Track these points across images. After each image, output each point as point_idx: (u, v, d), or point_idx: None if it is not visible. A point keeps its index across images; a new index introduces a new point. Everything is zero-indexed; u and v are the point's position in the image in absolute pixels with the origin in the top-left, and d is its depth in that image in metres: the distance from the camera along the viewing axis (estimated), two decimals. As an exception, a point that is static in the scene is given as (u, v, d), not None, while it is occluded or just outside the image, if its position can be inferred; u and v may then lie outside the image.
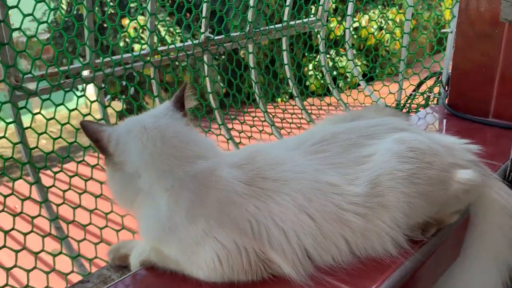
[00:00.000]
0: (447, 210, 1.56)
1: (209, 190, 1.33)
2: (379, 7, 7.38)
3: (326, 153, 1.52)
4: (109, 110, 2.06)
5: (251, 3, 2.48)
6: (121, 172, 1.38)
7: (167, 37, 2.29)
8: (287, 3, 2.84)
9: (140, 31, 4.11)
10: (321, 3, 3.08)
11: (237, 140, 2.53)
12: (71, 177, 1.91)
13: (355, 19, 4.93)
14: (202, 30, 2.32)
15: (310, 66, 6.05)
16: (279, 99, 3.38)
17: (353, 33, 3.41)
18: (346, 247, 1.40)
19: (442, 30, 2.84)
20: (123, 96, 2.15)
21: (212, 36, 2.33)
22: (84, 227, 1.92)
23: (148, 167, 1.35)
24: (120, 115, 2.02)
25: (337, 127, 1.67)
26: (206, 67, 2.37)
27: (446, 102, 2.72)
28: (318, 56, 3.23)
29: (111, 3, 3.28)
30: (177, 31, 2.23)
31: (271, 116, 2.78)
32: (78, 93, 1.95)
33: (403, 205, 1.42)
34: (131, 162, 1.36)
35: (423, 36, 3.17)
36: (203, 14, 2.28)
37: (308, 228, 1.36)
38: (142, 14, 4.24)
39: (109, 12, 2.00)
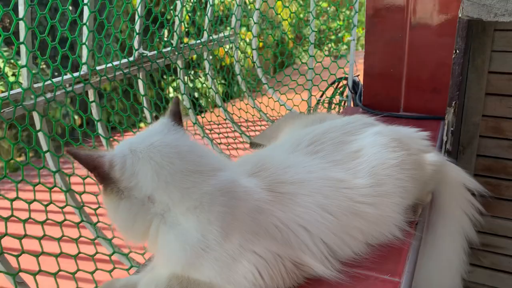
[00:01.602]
0: (425, 190, 1.72)
1: (239, 202, 1.26)
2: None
3: (323, 153, 1.57)
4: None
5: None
6: (129, 199, 1.22)
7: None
8: (138, 31, 2.37)
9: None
10: (175, 29, 2.69)
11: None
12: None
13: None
14: (136, 46, 2.18)
15: (171, 89, 5.96)
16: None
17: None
18: (362, 237, 1.45)
19: (347, 38, 3.11)
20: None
21: (146, 52, 2.21)
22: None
23: (168, 187, 1.22)
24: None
25: (316, 128, 1.74)
26: (141, 84, 2.24)
27: (362, 103, 2.98)
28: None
29: None
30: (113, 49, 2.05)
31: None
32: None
33: (400, 190, 1.53)
34: (144, 185, 1.22)
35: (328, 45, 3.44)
36: (137, 30, 2.15)
37: (330, 225, 1.38)
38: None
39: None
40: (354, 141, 1.65)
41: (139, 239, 1.30)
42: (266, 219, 1.29)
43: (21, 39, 1.58)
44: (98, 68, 1.97)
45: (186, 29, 2.63)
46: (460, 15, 1.91)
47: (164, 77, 2.39)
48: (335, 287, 1.32)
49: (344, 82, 3.39)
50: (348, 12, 3.64)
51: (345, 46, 3.35)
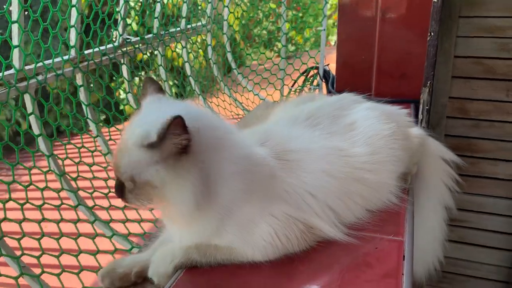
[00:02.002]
0: (412, 161, 1.84)
1: (258, 168, 1.32)
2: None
3: (321, 126, 1.65)
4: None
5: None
6: (200, 172, 1.23)
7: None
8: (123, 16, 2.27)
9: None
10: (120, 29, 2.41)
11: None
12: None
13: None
14: (121, 32, 2.17)
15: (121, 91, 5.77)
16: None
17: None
18: (363, 202, 1.54)
19: (317, 28, 3.22)
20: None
21: (130, 38, 2.21)
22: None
23: (222, 158, 1.27)
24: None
25: (309, 105, 1.82)
26: (125, 69, 2.22)
27: (335, 90, 3.09)
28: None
29: None
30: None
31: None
32: None
33: (393, 158, 1.64)
34: (210, 158, 1.25)
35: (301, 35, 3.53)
36: (122, 15, 2.14)
37: (334, 190, 1.46)
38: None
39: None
40: (347, 115, 1.74)
41: (196, 211, 1.27)
42: (279, 185, 1.36)
43: (14, 18, 1.55)
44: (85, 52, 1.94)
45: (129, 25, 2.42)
46: (434, 0, 2.05)
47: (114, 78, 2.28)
48: (346, 247, 1.39)
49: (315, 71, 3.50)
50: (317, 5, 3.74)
51: (312, 39, 3.45)
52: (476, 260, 3.11)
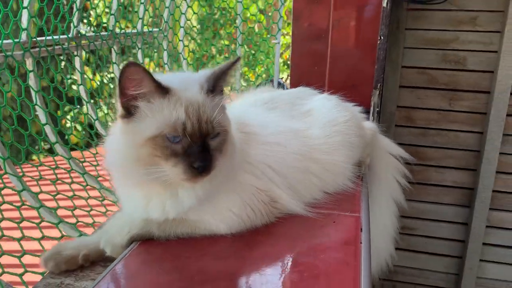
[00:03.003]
0: (365, 152, 1.89)
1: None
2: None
3: (279, 110, 1.68)
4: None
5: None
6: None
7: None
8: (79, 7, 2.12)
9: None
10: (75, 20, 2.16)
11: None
12: None
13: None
14: (75, 23, 2.13)
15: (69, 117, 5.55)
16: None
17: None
18: (319, 183, 1.55)
19: (272, 41, 3.30)
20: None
21: (85, 31, 2.17)
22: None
23: None
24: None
25: (267, 94, 1.85)
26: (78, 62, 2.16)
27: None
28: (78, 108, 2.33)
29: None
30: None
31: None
32: None
33: (348, 144, 1.68)
34: None
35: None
36: (78, 6, 2.10)
37: (293, 166, 1.48)
38: None
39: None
40: (304, 104, 1.78)
41: None
42: (242, 157, 1.36)
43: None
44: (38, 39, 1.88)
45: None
46: (384, 5, 2.17)
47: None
48: (304, 221, 1.39)
49: (271, 84, 3.56)
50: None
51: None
52: (425, 268, 3.19)
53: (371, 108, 2.43)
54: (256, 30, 3.72)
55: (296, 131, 1.57)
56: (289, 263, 1.18)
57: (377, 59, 2.34)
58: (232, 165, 1.29)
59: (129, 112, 1.18)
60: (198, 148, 1.16)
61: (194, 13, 3.11)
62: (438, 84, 2.80)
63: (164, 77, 1.21)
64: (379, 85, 2.37)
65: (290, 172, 1.45)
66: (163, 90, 1.16)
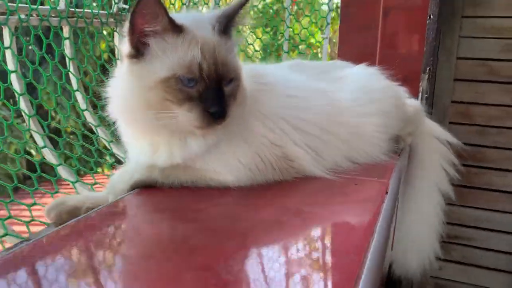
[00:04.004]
0: (406, 130, 1.71)
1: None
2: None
3: (306, 73, 1.56)
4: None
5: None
6: None
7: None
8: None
9: None
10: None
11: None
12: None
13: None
14: (116, 0, 2.15)
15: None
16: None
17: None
18: (344, 148, 1.40)
19: (321, 36, 3.19)
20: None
21: (126, 6, 2.18)
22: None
23: None
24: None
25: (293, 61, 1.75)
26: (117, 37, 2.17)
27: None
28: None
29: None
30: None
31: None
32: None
33: (381, 113, 1.53)
34: None
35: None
36: (118, -18, 2.13)
37: (315, 124, 1.35)
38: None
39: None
40: (338, 72, 1.65)
41: None
42: (255, 106, 1.26)
43: None
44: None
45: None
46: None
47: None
48: (322, 181, 1.25)
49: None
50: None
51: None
52: (480, 284, 2.85)
53: (419, 94, 2.24)
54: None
55: (322, 91, 1.45)
56: (293, 211, 1.04)
57: (426, 40, 2.16)
58: (242, 113, 1.19)
59: (138, 51, 1.12)
60: (214, 92, 1.08)
61: (257, 38, 3.13)
62: (500, 77, 2.54)
63: (176, 16, 1.15)
64: (428, 68, 2.19)
65: (310, 130, 1.32)
66: (177, 28, 1.09)
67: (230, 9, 1.16)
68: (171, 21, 1.08)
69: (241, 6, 1.15)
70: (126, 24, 1.12)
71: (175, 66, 1.08)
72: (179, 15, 1.20)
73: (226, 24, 1.15)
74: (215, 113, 1.07)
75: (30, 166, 1.66)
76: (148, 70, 1.10)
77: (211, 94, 1.08)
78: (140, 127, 1.19)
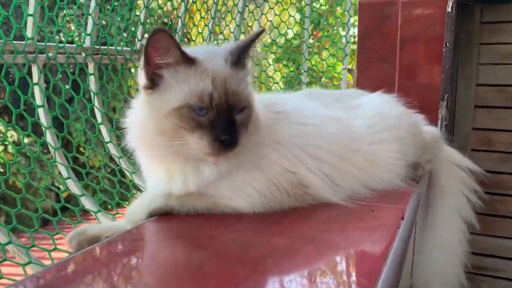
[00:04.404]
0: (424, 157, 1.70)
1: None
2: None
3: (320, 101, 1.58)
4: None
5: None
6: None
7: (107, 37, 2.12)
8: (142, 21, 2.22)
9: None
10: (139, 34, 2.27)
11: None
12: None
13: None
14: (139, 37, 2.25)
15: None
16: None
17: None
18: (360, 176, 1.41)
19: (340, 67, 3.24)
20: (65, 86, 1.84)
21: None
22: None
23: None
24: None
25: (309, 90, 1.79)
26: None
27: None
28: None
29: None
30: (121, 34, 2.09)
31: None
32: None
33: (398, 140, 1.53)
34: None
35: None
36: (141, 20, 2.23)
37: (330, 151, 1.36)
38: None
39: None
40: (353, 100, 1.67)
41: None
42: (270, 135, 1.29)
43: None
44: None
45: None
46: (448, 10, 2.04)
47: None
48: (338, 207, 1.26)
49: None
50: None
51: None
52: (513, 318, 2.73)
53: (439, 122, 2.24)
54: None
55: (337, 118, 1.46)
56: (307, 238, 1.04)
57: (443, 68, 2.17)
58: (256, 141, 1.22)
59: (153, 82, 1.18)
60: (225, 121, 1.12)
61: (276, 71, 3.21)
62: (521, 103, 2.52)
63: (189, 50, 1.21)
64: (446, 96, 2.18)
65: (325, 157, 1.34)
66: (189, 60, 1.15)
67: (243, 42, 1.22)
68: (183, 54, 1.14)
69: (253, 40, 1.20)
70: (142, 58, 1.18)
71: (187, 96, 1.13)
72: (192, 49, 1.26)
73: (239, 57, 1.20)
74: (224, 141, 1.10)
75: (59, 199, 1.72)
76: (163, 99, 1.15)
77: (222, 122, 1.12)
78: (156, 154, 1.23)
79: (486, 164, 2.64)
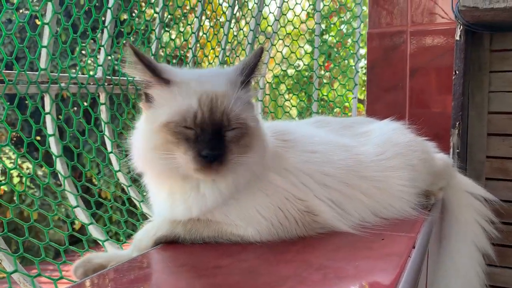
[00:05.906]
0: (436, 185, 1.68)
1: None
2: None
3: (329, 128, 1.58)
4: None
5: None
6: None
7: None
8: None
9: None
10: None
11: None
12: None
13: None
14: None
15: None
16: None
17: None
18: (369, 203, 1.38)
19: (350, 96, 3.24)
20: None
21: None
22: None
23: None
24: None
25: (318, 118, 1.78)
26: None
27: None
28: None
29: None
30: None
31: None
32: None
33: (408, 167, 1.51)
34: None
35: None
36: (153, 52, 2.27)
37: (339, 179, 1.35)
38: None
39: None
40: (362, 127, 1.66)
41: None
42: (278, 162, 1.28)
43: (47, 19, 1.69)
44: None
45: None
46: (457, 38, 2.04)
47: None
48: (352, 237, 1.23)
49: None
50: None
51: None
52: None
53: (451, 150, 2.21)
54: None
55: (345, 146, 1.45)
56: (315, 266, 1.02)
57: (453, 95, 2.16)
58: (260, 164, 1.21)
59: (148, 98, 1.21)
60: (209, 137, 1.12)
61: (287, 100, 3.26)
62: (535, 131, 2.48)
63: (185, 71, 1.26)
64: (457, 123, 2.16)
65: (333, 185, 1.32)
66: (164, 80, 1.17)
67: (245, 63, 1.23)
68: (154, 73, 1.16)
69: (256, 61, 1.22)
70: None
71: (173, 113, 1.14)
72: (190, 71, 1.31)
73: (241, 77, 1.21)
74: (207, 156, 1.09)
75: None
76: (155, 115, 1.18)
77: (205, 138, 1.12)
78: (151, 170, 1.24)
79: (502, 193, 2.58)
